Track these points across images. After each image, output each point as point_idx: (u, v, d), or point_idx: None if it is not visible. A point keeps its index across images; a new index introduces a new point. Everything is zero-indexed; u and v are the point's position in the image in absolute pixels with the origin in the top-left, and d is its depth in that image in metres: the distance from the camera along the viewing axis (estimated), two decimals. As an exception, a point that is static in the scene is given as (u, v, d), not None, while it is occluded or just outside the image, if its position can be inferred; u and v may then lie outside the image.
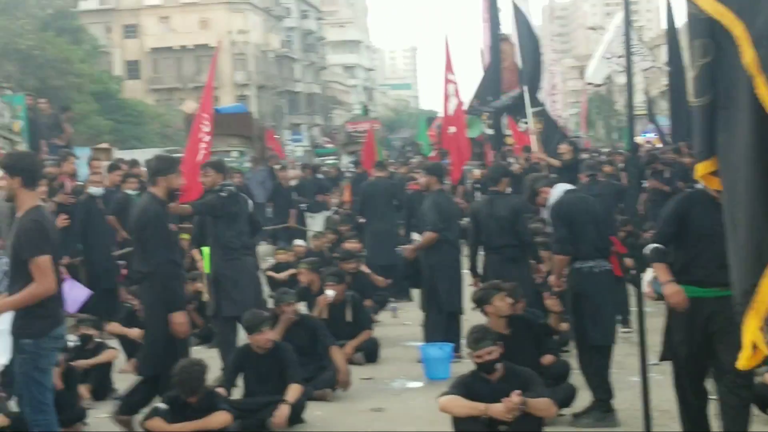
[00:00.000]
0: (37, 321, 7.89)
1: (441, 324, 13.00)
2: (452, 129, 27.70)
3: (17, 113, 20.20)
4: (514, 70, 29.82)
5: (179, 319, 9.52)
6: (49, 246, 7.89)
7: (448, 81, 27.95)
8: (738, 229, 7.19)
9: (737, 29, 7.06)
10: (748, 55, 6.92)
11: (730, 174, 7.20)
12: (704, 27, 7.27)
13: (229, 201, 12.11)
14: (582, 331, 9.74)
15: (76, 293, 14.10)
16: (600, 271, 9.86)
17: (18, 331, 7.90)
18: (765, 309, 6.71)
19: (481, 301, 10.00)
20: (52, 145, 23.05)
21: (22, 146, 19.68)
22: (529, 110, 26.94)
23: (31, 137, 21.43)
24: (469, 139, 28.35)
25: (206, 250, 12.77)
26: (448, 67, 29.40)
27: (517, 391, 8.34)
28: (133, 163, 21.59)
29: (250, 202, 12.65)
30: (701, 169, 7.41)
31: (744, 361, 6.94)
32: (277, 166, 28.09)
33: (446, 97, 27.82)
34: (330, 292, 13.15)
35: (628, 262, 12.37)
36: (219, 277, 12.02)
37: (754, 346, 6.75)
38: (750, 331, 6.71)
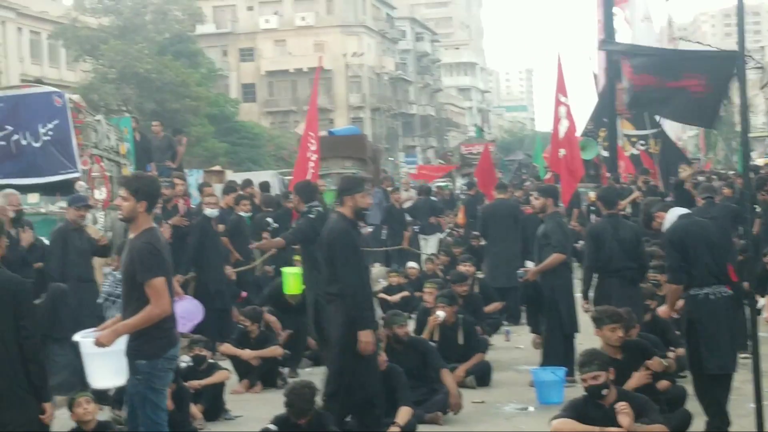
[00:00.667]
0: (152, 342, 8.00)
1: (560, 347, 12.92)
2: (563, 151, 27.56)
3: (124, 136, 20.51)
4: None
5: (366, 338, 9.73)
6: (163, 268, 8.01)
7: (559, 103, 27.76)
8: None
9: None
10: None
11: None
12: None
13: (319, 222, 12.16)
14: (698, 358, 9.56)
15: (190, 311, 14.28)
16: (716, 298, 9.64)
17: (133, 353, 8.01)
18: None
19: (596, 323, 9.98)
20: (162, 167, 23.42)
21: (129, 169, 20.01)
22: (649, 131, 26.74)
23: (137, 160, 21.74)
24: (585, 161, 28.13)
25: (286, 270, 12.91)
26: (560, 89, 29.23)
27: (626, 406, 8.30)
28: (246, 183, 21.90)
29: None
30: None
31: None
32: (389, 188, 28.19)
33: (557, 120, 27.67)
34: (441, 313, 13.16)
35: (746, 286, 12.14)
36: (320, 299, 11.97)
37: None
38: None
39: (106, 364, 8.14)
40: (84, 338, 8.38)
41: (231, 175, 29.36)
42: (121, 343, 8.01)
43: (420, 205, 29.14)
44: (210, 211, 16.27)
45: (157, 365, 8.02)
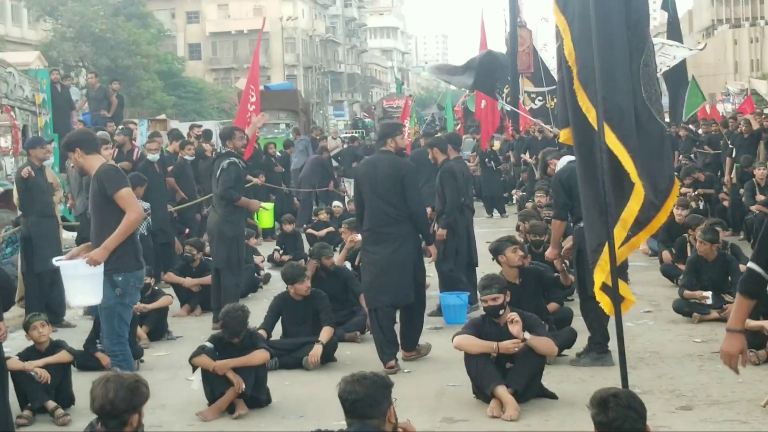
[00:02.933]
0: (127, 258, 8.04)
1: (463, 276, 12.97)
2: (484, 103, 27.71)
3: (40, 87, 20.02)
4: (530, 53, 29.79)
5: (434, 250, 10.50)
6: (126, 181, 8.10)
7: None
8: (588, 191, 7.44)
9: (561, 23, 7.39)
10: (567, 47, 7.26)
11: (580, 145, 7.54)
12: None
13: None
14: (583, 282, 9.68)
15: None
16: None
17: (111, 268, 7.98)
18: (607, 266, 7.04)
19: (495, 252, 10.06)
20: (98, 116, 23.09)
21: (46, 118, 19.64)
22: (546, 89, 26.90)
23: (57, 109, 21.26)
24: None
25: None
26: (483, 46, 29.29)
27: (515, 316, 8.44)
28: (206, 132, 21.71)
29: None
30: (563, 135, 7.94)
31: (607, 308, 7.24)
32: (317, 137, 28.08)
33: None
34: (358, 236, 12.88)
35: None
36: None
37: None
38: (597, 282, 7.08)
39: (84, 285, 8.04)
40: (64, 261, 8.26)
41: (176, 125, 29.10)
42: (98, 266, 7.93)
43: (344, 152, 29.08)
44: (152, 156, 16.12)
45: (130, 281, 8.07)
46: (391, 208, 9.97)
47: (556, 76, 8.39)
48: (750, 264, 5.42)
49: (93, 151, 8.22)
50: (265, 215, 12.00)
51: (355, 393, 5.09)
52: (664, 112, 7.97)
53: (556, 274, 10.69)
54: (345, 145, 32.80)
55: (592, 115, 7.23)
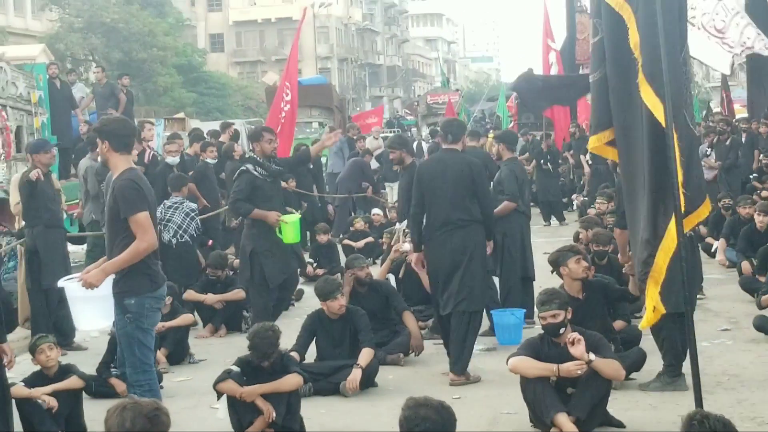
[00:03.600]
0: (139, 279, 7.99)
1: (517, 290, 13.00)
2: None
3: (36, 83, 19.99)
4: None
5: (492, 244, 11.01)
6: (145, 203, 8.01)
7: (548, 48, 27.72)
8: (636, 198, 7.52)
9: (626, 12, 7.44)
10: (633, 37, 7.31)
11: (628, 146, 7.58)
12: (596, 7, 7.82)
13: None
14: (654, 297, 9.64)
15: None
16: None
17: (121, 291, 7.99)
18: (661, 278, 7.12)
19: (556, 263, 10.09)
20: (104, 115, 23.09)
21: (43, 118, 19.62)
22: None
23: (56, 108, 21.25)
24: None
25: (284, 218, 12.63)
26: (548, 34, 29.05)
27: (577, 335, 8.39)
28: (214, 133, 21.77)
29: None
30: (595, 140, 8.00)
31: (646, 323, 7.89)
32: (354, 137, 28.03)
33: (547, 66, 27.61)
34: (406, 245, 12.80)
35: (703, 230, 12.27)
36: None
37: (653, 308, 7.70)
38: (651, 296, 7.16)
39: (92, 307, 8.12)
40: (69, 282, 8.34)
41: (197, 124, 29.25)
42: (107, 286, 7.99)
43: (385, 154, 29.04)
44: (171, 159, 16.23)
45: (145, 304, 8.02)
46: (457, 212, 10.46)
47: (591, 77, 8.39)
48: None
49: (124, 150, 8.21)
50: (287, 229, 11.82)
51: (429, 420, 5.11)
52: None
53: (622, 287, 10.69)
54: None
55: (659, 111, 7.27)
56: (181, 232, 14.60)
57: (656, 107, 7.35)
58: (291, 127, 18.71)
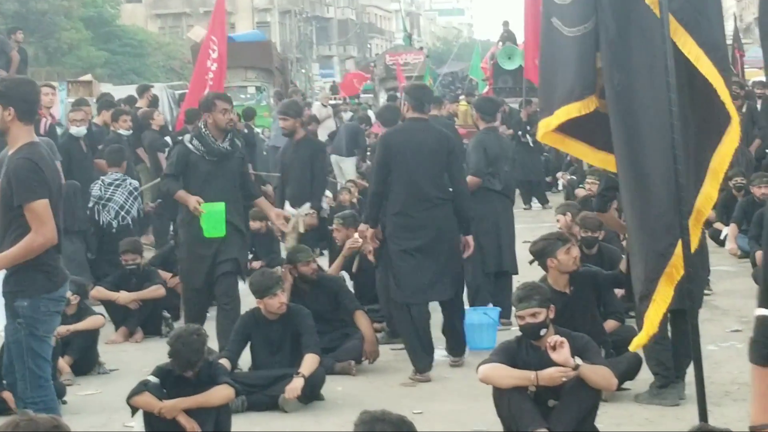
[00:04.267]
0: (33, 277, 7.88)
1: (486, 286, 13.09)
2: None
3: None
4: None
5: (472, 243, 11.42)
6: (46, 189, 7.84)
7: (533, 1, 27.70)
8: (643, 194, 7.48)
9: None
10: None
11: (628, 116, 7.49)
12: None
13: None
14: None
15: None
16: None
17: (11, 292, 7.91)
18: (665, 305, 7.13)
19: (542, 254, 10.07)
20: None
21: None
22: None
23: None
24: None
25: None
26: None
27: (560, 338, 8.39)
28: (129, 99, 21.70)
29: None
30: (582, 107, 7.74)
31: (635, 346, 8.01)
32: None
33: (531, 19, 27.60)
34: (359, 238, 12.75)
35: (710, 214, 12.35)
36: None
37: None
38: (651, 322, 7.18)
39: None
40: None
41: (108, 89, 29.10)
42: None
43: (343, 130, 29.04)
44: (76, 130, 16.20)
45: (40, 306, 7.91)
46: (434, 189, 10.97)
47: (569, 31, 8.19)
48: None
49: (29, 120, 8.08)
50: (206, 220, 11.54)
51: None
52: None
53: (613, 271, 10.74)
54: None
55: (705, 65, 7.23)
56: (123, 213, 14.94)
57: (700, 59, 7.28)
58: (219, 90, 18.61)
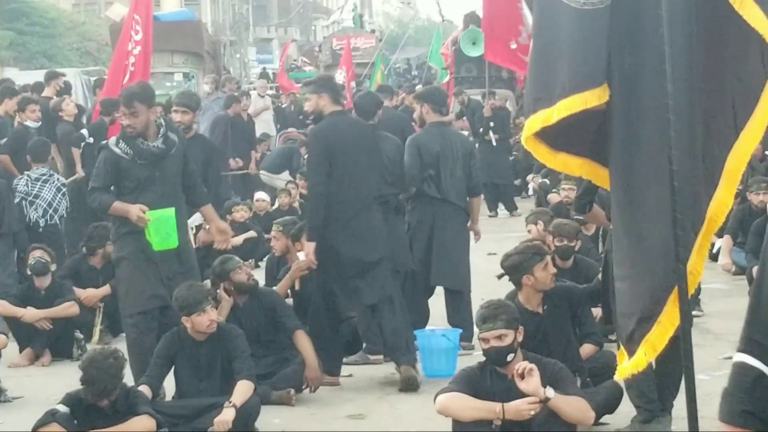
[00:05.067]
0: None
1: (421, 306, 13.24)
2: (514, 45, 27.78)
3: None
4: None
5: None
6: None
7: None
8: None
9: None
10: None
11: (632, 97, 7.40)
12: None
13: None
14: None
15: None
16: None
17: None
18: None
19: (518, 270, 9.97)
20: None
21: None
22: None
23: None
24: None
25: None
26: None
27: (529, 364, 8.41)
28: (36, 86, 21.63)
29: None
30: (592, 98, 7.53)
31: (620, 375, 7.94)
32: (235, 93, 27.92)
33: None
34: (301, 255, 12.52)
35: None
36: None
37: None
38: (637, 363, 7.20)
39: None
40: None
41: (14, 74, 29.05)
42: None
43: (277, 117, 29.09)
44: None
45: None
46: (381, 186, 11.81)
47: (577, 3, 7.83)
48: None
49: None
50: (153, 229, 11.25)
51: None
52: None
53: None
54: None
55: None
56: (51, 211, 15.35)
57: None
58: (144, 77, 18.50)
